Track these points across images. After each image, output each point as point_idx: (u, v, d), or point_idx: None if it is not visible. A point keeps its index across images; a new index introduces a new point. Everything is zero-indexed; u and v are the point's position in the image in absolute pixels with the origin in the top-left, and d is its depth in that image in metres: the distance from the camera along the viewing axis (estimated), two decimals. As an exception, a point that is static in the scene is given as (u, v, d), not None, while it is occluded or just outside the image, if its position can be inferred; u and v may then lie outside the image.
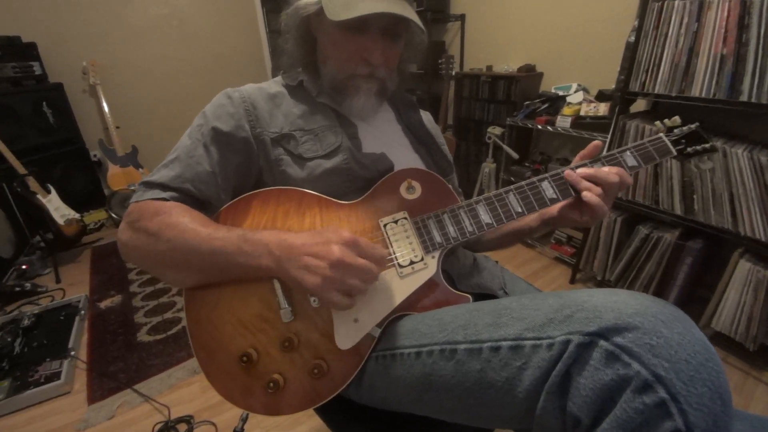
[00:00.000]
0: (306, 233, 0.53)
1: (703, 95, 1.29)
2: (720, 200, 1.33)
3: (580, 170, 0.63)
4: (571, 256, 2.01)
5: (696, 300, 1.57)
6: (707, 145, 0.67)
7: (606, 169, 0.62)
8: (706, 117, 0.71)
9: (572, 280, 1.94)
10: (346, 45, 0.65)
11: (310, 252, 0.50)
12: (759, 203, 1.24)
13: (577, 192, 0.62)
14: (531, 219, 0.75)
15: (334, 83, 0.70)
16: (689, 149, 0.67)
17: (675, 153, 0.66)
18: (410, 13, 0.61)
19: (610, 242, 1.73)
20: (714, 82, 1.26)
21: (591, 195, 0.60)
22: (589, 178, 0.62)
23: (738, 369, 1.39)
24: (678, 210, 1.46)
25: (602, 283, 1.83)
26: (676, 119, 0.69)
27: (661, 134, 0.67)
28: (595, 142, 0.65)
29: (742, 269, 1.31)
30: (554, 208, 0.69)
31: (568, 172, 0.63)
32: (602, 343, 0.37)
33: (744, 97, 1.20)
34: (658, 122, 0.70)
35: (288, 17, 0.69)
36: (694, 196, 1.40)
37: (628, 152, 0.65)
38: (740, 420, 0.43)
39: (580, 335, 0.39)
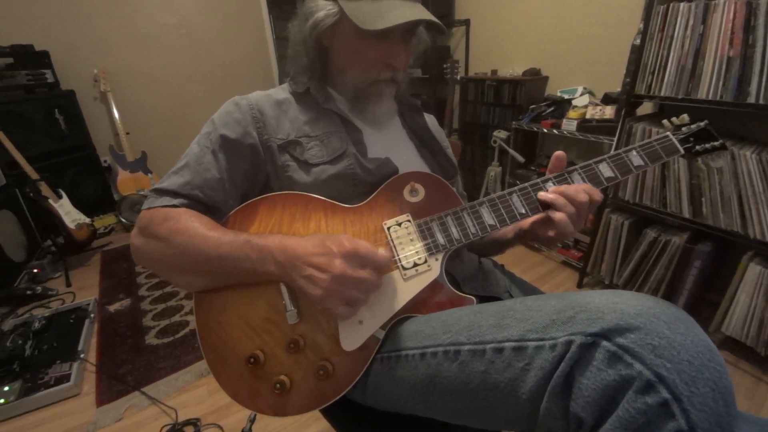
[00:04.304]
0: (308, 240, 0.54)
1: (710, 97, 1.28)
2: (729, 203, 1.32)
3: (551, 188, 0.61)
4: (578, 260, 1.99)
5: (706, 304, 1.55)
6: (717, 143, 0.65)
7: (574, 187, 0.60)
8: (713, 119, 0.70)
9: (580, 284, 1.92)
10: (368, 52, 0.65)
11: (313, 263, 0.51)
12: (769, 205, 1.23)
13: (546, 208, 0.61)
14: (507, 231, 0.74)
15: (356, 91, 0.70)
16: (698, 147, 0.65)
17: (683, 151, 0.64)
18: (430, 15, 0.62)
19: (617, 246, 1.72)
20: (721, 84, 1.25)
21: (556, 213, 0.58)
22: (559, 195, 0.60)
23: (749, 374, 1.37)
24: (686, 213, 1.45)
25: (610, 287, 1.81)
26: (684, 117, 0.68)
27: (668, 133, 0.66)
28: (557, 153, 0.63)
29: (752, 273, 1.30)
30: (526, 222, 0.68)
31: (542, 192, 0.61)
32: (604, 343, 0.37)
33: (752, 99, 1.19)
34: (665, 121, 0.69)
35: (299, 29, 0.69)
36: (703, 199, 1.39)
37: (634, 151, 0.63)
38: (750, 423, 0.42)
39: (582, 336, 0.39)
